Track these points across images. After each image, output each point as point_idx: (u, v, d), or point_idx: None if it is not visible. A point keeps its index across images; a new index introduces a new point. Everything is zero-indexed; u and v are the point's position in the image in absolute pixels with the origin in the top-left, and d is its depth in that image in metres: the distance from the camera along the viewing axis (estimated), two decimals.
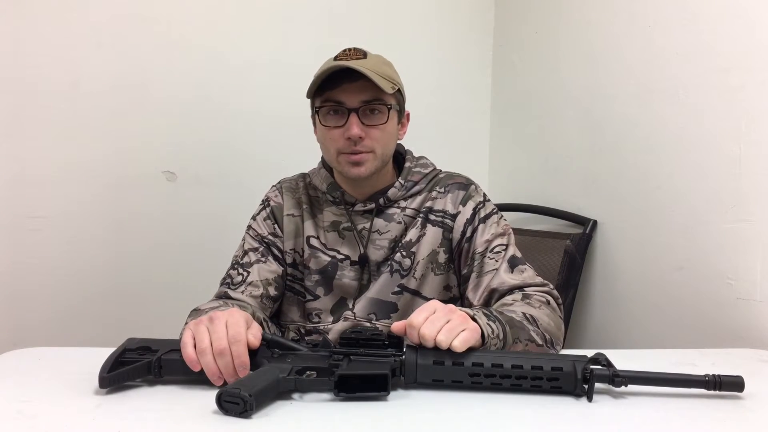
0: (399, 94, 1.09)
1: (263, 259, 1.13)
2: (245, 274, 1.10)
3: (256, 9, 1.91)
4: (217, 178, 1.91)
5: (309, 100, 1.11)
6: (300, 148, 1.90)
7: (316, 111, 1.08)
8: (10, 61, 1.71)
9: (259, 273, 1.11)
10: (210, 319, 0.80)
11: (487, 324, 0.84)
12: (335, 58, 1.05)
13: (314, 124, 1.12)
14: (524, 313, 0.93)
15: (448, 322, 0.79)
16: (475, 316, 0.84)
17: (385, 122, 1.06)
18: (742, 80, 1.17)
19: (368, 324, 1.10)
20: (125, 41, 1.80)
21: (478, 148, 2.18)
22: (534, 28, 1.92)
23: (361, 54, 1.05)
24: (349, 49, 1.05)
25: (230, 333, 0.77)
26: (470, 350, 0.79)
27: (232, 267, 1.13)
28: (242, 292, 1.08)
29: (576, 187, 1.71)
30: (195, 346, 0.77)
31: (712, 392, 0.77)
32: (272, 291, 1.11)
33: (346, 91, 1.03)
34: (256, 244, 1.15)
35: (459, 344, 0.77)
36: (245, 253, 1.14)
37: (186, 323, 1.00)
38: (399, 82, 1.09)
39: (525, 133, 1.98)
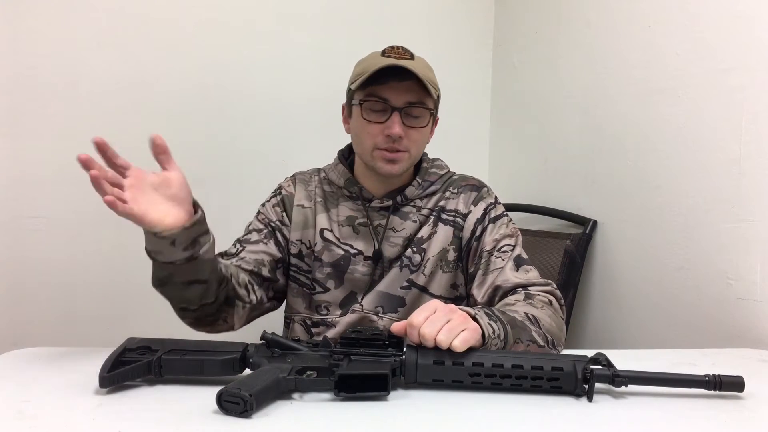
0: (438, 99, 1.11)
1: (265, 240, 1.13)
2: (240, 248, 1.11)
3: (256, 9, 1.91)
4: (218, 178, 1.91)
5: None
6: (301, 148, 1.91)
7: (359, 103, 1.07)
8: (10, 61, 1.71)
9: (255, 251, 1.11)
10: None
11: (488, 324, 0.84)
12: (383, 54, 1.06)
13: (348, 114, 1.13)
14: (526, 314, 0.93)
15: (448, 321, 0.79)
16: (476, 316, 0.84)
17: (425, 126, 1.08)
18: (742, 80, 1.17)
19: (375, 317, 1.10)
20: (125, 41, 1.80)
21: (478, 148, 2.18)
22: (534, 28, 1.92)
23: (409, 54, 1.06)
24: (397, 47, 1.06)
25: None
26: (470, 350, 0.79)
27: (233, 243, 1.14)
28: (233, 263, 1.08)
29: (576, 187, 1.71)
30: None
31: (712, 392, 0.77)
32: (265, 273, 1.10)
33: (393, 89, 1.04)
34: (261, 226, 1.16)
35: (459, 344, 0.77)
36: (249, 232, 1.15)
37: None
38: (439, 88, 1.10)
39: (525, 133, 1.98)
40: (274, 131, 1.94)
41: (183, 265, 0.87)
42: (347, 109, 1.14)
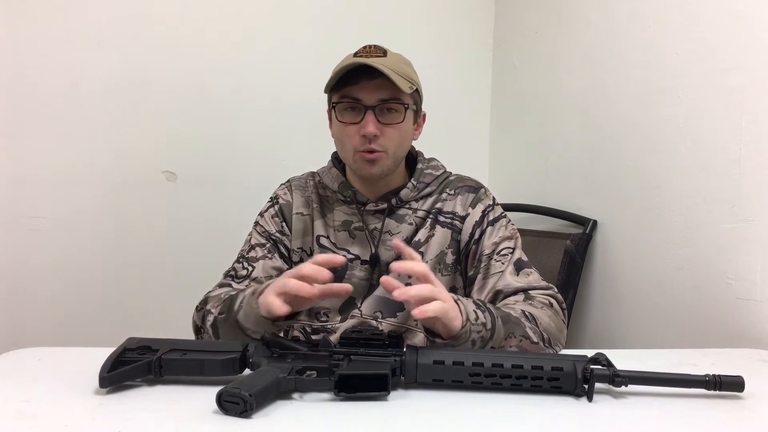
0: (417, 94, 1.09)
1: (269, 255, 1.13)
2: (250, 268, 1.11)
3: (256, 9, 1.91)
4: (217, 178, 1.91)
5: (325, 96, 1.10)
6: (300, 148, 1.92)
7: (333, 106, 1.07)
8: (10, 61, 1.71)
9: (263, 269, 1.11)
10: (283, 275, 0.87)
11: (473, 311, 0.86)
12: (355, 54, 1.05)
13: (330, 119, 1.12)
14: (523, 311, 0.94)
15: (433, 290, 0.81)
16: (458, 301, 0.86)
17: (401, 122, 1.06)
18: (742, 80, 1.17)
19: (374, 322, 1.10)
20: (125, 41, 1.80)
21: (478, 148, 2.18)
22: (534, 28, 1.92)
23: (381, 52, 1.05)
24: (370, 46, 1.05)
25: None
26: (470, 350, 0.79)
27: (238, 260, 1.14)
28: (246, 287, 1.08)
29: (576, 187, 1.71)
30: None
31: (712, 392, 0.77)
32: None
33: (365, 88, 1.02)
34: (262, 240, 1.15)
35: (431, 308, 0.79)
36: (252, 248, 1.14)
37: (205, 308, 1.03)
38: (417, 81, 1.09)
39: (525, 132, 1.98)
40: (274, 131, 1.94)
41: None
42: (329, 114, 1.13)
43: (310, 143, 1.84)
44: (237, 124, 1.91)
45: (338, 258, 0.88)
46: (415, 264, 0.85)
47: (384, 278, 0.83)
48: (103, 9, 1.77)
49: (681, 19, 1.32)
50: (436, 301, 0.80)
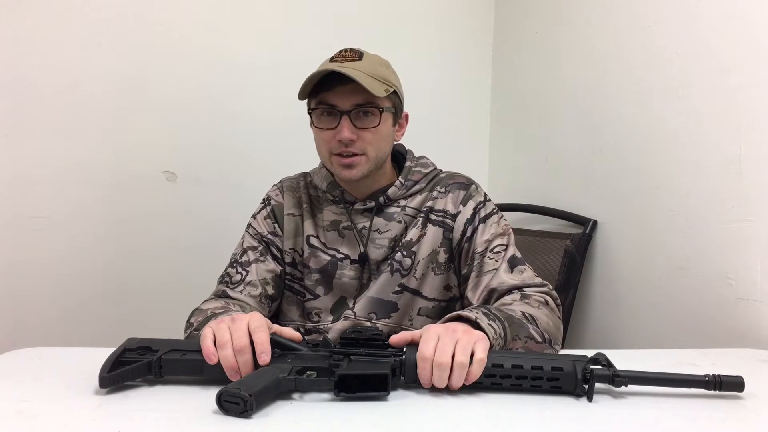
0: (395, 95, 1.08)
1: (262, 258, 1.13)
2: (244, 273, 1.11)
3: (256, 10, 1.91)
4: (217, 178, 1.91)
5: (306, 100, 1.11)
6: (300, 149, 1.91)
7: (309, 112, 1.08)
8: (10, 62, 1.71)
9: (257, 272, 1.11)
10: (232, 320, 0.81)
11: (489, 325, 0.84)
12: (331, 59, 1.05)
13: (311, 124, 1.13)
14: (523, 312, 0.94)
15: (457, 342, 0.78)
16: (477, 320, 0.84)
17: (378, 125, 1.05)
18: (742, 80, 1.17)
19: (368, 323, 1.10)
20: (125, 41, 1.80)
21: (478, 148, 2.18)
22: (534, 28, 1.92)
23: (357, 55, 1.04)
24: (345, 50, 1.05)
25: (252, 326, 0.79)
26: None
27: (231, 265, 1.13)
28: (241, 292, 1.08)
29: (576, 187, 1.71)
30: (215, 342, 0.78)
31: (712, 392, 0.77)
32: (270, 290, 1.11)
33: (339, 93, 1.03)
34: (255, 243, 1.15)
35: (483, 355, 0.76)
36: (244, 251, 1.14)
37: (189, 321, 1.01)
38: (394, 83, 1.08)
39: (525, 133, 1.98)
40: (275, 131, 1.94)
41: None
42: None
43: (310, 144, 1.84)
44: (237, 124, 1.91)
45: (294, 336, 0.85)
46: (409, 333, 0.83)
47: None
48: (103, 9, 1.77)
49: (681, 19, 1.32)
50: (476, 360, 0.76)
